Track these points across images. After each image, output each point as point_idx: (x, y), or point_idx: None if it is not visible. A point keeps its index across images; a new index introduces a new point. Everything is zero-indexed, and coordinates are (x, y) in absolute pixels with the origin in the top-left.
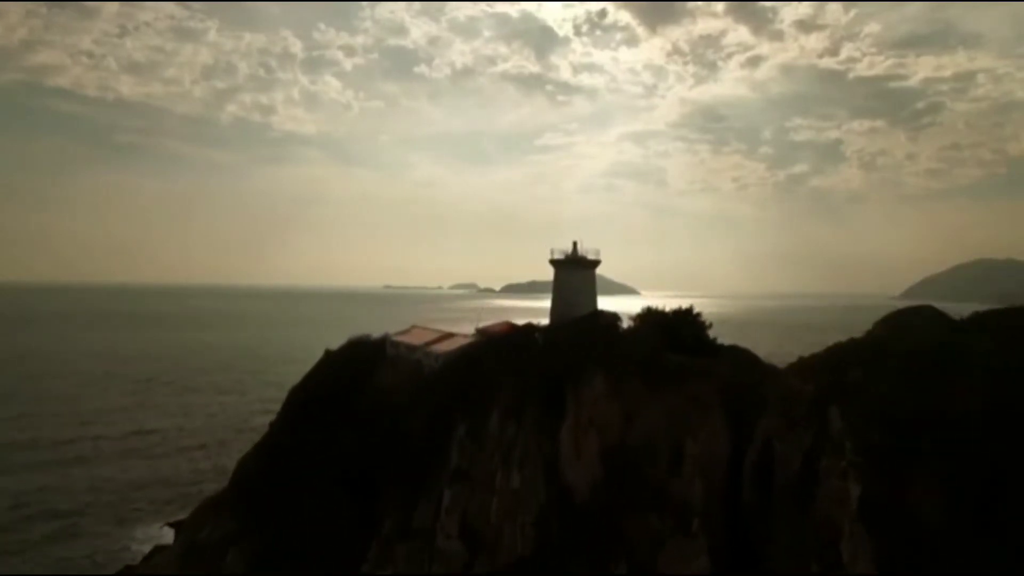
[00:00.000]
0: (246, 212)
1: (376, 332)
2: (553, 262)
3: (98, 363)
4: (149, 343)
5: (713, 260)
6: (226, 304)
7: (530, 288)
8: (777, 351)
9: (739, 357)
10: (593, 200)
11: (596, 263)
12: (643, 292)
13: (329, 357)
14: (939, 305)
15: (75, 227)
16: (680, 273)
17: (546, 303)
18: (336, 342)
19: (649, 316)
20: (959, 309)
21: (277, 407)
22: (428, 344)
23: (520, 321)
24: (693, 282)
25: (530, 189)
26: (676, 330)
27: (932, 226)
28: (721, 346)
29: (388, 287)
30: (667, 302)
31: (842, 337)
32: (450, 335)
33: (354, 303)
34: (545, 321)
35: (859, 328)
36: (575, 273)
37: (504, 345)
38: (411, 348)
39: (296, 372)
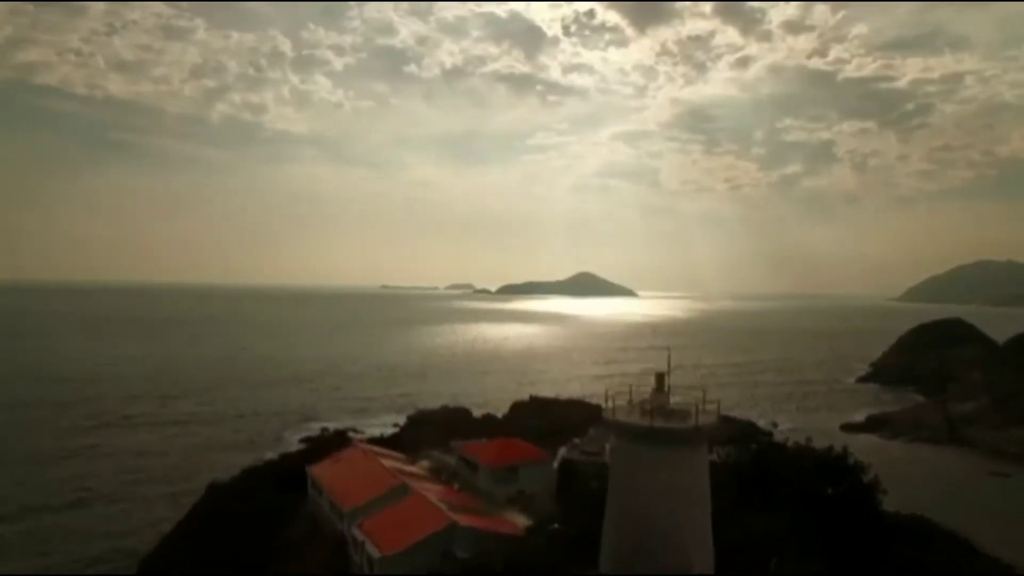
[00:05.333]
0: (241, 211)
1: (364, 351)
2: (611, 425)
3: (54, 388)
4: (123, 358)
5: (709, 261)
6: (221, 307)
7: (527, 289)
8: (806, 364)
9: None
10: (588, 200)
11: (710, 430)
12: (640, 293)
13: (215, 503)
14: (942, 307)
15: (71, 226)
16: (675, 274)
17: (543, 304)
18: (334, 346)
19: (774, 468)
20: (963, 311)
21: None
22: (365, 513)
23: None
24: (689, 283)
25: (525, 189)
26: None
27: (928, 227)
28: (892, 516)
29: (385, 287)
30: (666, 303)
31: (861, 346)
32: (402, 484)
33: (353, 304)
34: (549, 331)
35: (871, 332)
36: (664, 455)
37: None
38: (337, 507)
39: (278, 397)
